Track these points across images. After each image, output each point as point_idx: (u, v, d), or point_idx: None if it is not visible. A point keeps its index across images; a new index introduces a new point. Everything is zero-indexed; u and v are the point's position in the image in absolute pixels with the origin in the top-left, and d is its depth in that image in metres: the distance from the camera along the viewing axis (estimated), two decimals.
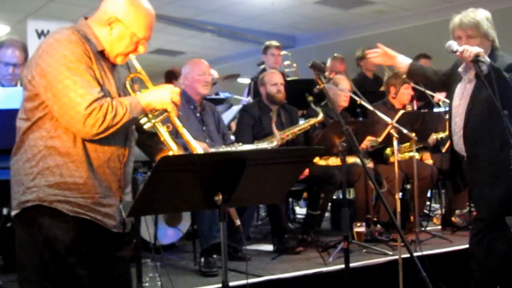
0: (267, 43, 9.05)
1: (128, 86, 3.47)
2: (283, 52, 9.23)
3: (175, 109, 3.39)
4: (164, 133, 3.40)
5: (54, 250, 3.20)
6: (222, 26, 14.79)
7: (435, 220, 8.74)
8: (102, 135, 3.17)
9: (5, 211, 5.74)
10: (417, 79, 6.17)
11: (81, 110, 3.07)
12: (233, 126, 8.01)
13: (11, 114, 4.22)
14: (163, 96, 3.35)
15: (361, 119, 8.16)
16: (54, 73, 3.13)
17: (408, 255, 3.89)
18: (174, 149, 3.36)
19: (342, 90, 7.35)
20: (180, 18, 13.86)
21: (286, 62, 9.64)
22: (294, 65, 9.35)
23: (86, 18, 3.44)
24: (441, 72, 5.50)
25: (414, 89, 7.84)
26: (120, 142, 3.40)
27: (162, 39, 15.27)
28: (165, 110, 3.38)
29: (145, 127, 3.38)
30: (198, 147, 3.38)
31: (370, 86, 9.28)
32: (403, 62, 5.55)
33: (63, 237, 3.20)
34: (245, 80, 8.92)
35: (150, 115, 3.38)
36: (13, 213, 3.32)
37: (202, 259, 5.83)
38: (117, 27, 3.34)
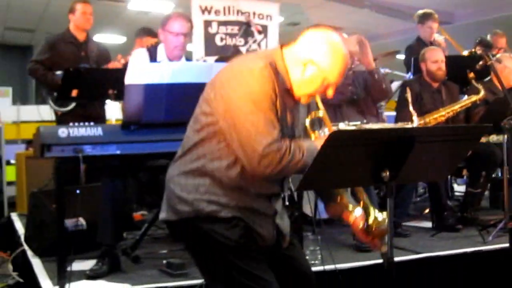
0: (423, 12, 8.82)
1: (308, 125, 3.38)
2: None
3: None
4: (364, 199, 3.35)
5: (227, 247, 3.23)
6: (380, 2, 14.68)
7: None
8: (276, 176, 3.20)
9: None
10: None
11: (259, 149, 3.05)
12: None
13: (182, 87, 4.44)
14: None
15: None
16: (239, 104, 3.10)
17: None
18: (372, 215, 3.34)
19: (507, 67, 7.19)
20: None
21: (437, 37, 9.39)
22: (443, 40, 9.10)
23: (282, 46, 3.38)
24: None
25: None
26: (269, 197, 3.40)
27: (321, 15, 15.24)
28: None
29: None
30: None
31: None
32: None
33: (230, 234, 3.23)
34: (403, 57, 8.79)
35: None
36: (167, 217, 3.39)
37: None
38: (311, 68, 3.24)
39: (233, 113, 3.12)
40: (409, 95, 6.50)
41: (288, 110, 3.31)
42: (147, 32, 8.25)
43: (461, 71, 7.17)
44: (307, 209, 6.10)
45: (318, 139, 3.31)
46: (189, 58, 6.16)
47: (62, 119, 7.30)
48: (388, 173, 2.99)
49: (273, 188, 3.40)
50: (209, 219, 3.24)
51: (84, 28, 7.80)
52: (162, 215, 3.42)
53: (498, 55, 7.51)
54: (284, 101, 3.25)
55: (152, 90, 4.66)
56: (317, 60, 3.23)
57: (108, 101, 7.68)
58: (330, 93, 3.32)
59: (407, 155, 2.94)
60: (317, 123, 3.47)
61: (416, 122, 6.38)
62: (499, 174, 8.31)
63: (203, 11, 8.05)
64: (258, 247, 3.32)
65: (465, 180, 8.07)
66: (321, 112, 3.34)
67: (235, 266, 3.22)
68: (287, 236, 3.54)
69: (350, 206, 3.44)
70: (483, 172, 6.92)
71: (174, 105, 4.64)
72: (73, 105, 7.33)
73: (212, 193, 3.24)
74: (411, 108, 6.38)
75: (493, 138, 6.97)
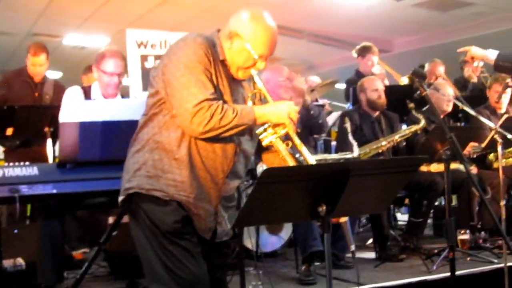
0: (362, 45, 8.86)
1: (250, 102, 3.50)
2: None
3: (293, 125, 3.37)
4: (282, 150, 3.38)
5: (161, 231, 3.32)
6: (318, 32, 14.75)
7: None
8: (208, 135, 3.25)
9: (110, 219, 5.87)
10: (505, 72, 5.98)
11: (190, 107, 3.18)
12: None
13: (117, 125, 4.40)
14: (280, 110, 3.33)
15: (463, 124, 8.03)
16: (173, 70, 3.28)
17: None
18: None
19: (444, 95, 7.25)
20: (276, 24, 13.90)
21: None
22: (383, 72, 9.14)
23: (219, 31, 3.54)
24: None
25: None
26: (227, 154, 3.44)
27: None
28: (281, 125, 3.36)
29: (263, 143, 3.39)
30: None
31: (473, 90, 9.11)
32: (491, 56, 5.45)
33: (167, 219, 3.33)
34: (342, 86, 8.81)
35: (268, 130, 3.37)
36: (120, 198, 3.47)
37: (303, 267, 5.85)
38: (236, 41, 3.40)
39: (168, 80, 3.30)
40: (348, 125, 6.50)
41: (225, 81, 3.45)
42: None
43: (400, 100, 7.19)
44: (248, 243, 6.04)
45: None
46: (125, 94, 6.07)
47: (7, 158, 7.18)
48: (324, 207, 2.97)
49: (224, 166, 3.45)
50: (150, 198, 3.34)
51: (35, 77, 7.68)
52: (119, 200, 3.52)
53: (435, 83, 7.58)
54: (221, 71, 3.42)
55: (87, 128, 4.62)
56: (241, 32, 3.39)
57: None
58: (260, 66, 3.46)
59: (343, 189, 2.91)
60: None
61: (356, 152, 6.36)
62: (442, 202, 8.35)
63: (139, 46, 7.96)
64: (193, 235, 3.41)
65: (408, 209, 8.08)
66: (261, 90, 3.47)
67: (165, 250, 3.32)
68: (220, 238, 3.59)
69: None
70: (425, 201, 6.93)
71: (110, 142, 4.60)
72: (17, 143, 7.18)
73: (160, 169, 3.35)
74: (350, 138, 6.38)
75: (434, 167, 6.99)
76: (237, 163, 3.51)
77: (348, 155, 6.38)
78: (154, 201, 3.34)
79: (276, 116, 3.33)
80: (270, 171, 2.80)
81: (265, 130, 3.37)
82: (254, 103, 3.49)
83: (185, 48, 3.32)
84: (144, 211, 3.36)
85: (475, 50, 5.50)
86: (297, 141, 3.39)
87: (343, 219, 3.31)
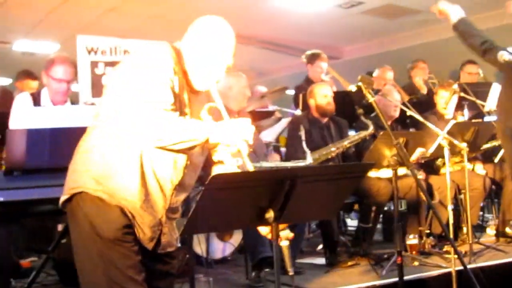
0: (311, 52, 8.90)
1: (203, 115, 3.37)
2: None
3: (246, 146, 3.27)
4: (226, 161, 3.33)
5: (101, 237, 3.22)
6: (267, 39, 14.77)
7: (488, 231, 8.63)
8: (160, 145, 3.19)
9: (60, 227, 5.82)
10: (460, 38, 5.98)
11: (145, 116, 3.11)
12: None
13: (66, 132, 4.35)
14: (233, 132, 3.22)
15: (411, 129, 8.09)
16: (132, 77, 3.21)
17: (462, 268, 3.86)
18: None
19: (391, 101, 7.30)
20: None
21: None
22: (328, 75, 9.16)
23: (181, 40, 3.52)
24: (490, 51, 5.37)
25: (465, 98, 7.74)
26: (177, 165, 3.39)
27: None
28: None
29: (214, 158, 3.37)
30: None
31: (422, 96, 9.21)
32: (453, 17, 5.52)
33: (109, 225, 3.23)
34: (292, 92, 8.82)
35: (220, 147, 3.31)
36: (62, 198, 3.36)
37: (253, 274, 5.85)
38: (197, 49, 3.41)
39: (126, 87, 3.20)
40: (303, 133, 6.53)
41: (186, 92, 3.41)
42: (26, 75, 8.11)
43: (349, 106, 7.23)
44: (198, 249, 6.03)
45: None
46: (75, 101, 6.04)
47: None
48: (272, 214, 2.96)
49: (173, 177, 3.40)
50: (94, 200, 3.23)
51: None
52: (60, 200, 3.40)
53: (383, 89, 7.64)
54: (183, 82, 3.37)
55: (35, 135, 4.59)
56: (200, 40, 3.40)
57: None
58: (222, 74, 3.46)
59: (291, 195, 2.91)
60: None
61: (309, 159, 6.40)
62: (391, 207, 8.41)
63: (89, 52, 7.90)
64: (134, 244, 3.31)
65: (357, 215, 8.12)
66: (216, 104, 3.39)
67: (104, 258, 3.23)
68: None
69: None
70: (374, 207, 6.97)
71: (59, 149, 4.53)
72: None
73: (108, 172, 3.26)
74: (304, 146, 6.41)
75: (383, 172, 7.03)
76: (186, 175, 3.46)
77: (301, 163, 6.42)
78: (98, 204, 3.23)
79: (230, 137, 3.23)
80: (217, 177, 2.77)
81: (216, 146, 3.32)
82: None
83: (148, 56, 3.27)
84: (85, 214, 3.25)
85: (441, 4, 5.54)
86: (247, 161, 3.30)
87: (284, 243, 3.25)
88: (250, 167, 3.29)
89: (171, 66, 3.27)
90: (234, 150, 3.28)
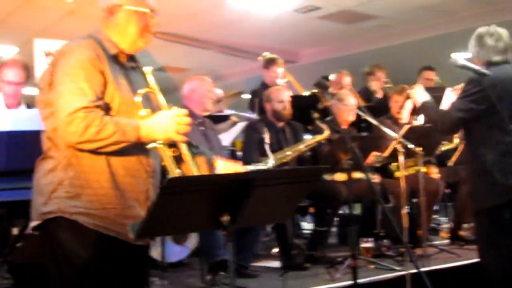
0: (268, 57, 8.87)
1: (138, 101, 3.27)
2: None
3: (182, 138, 3.25)
4: (167, 158, 3.23)
5: (73, 265, 3.16)
6: (224, 43, 14.76)
7: (442, 234, 8.70)
8: (86, 146, 3.10)
9: (15, 230, 5.76)
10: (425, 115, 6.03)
11: (63, 116, 3.03)
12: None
13: (22, 135, 4.31)
14: (167, 128, 3.19)
15: (366, 133, 8.14)
16: (55, 78, 3.17)
17: (416, 271, 3.88)
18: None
19: (347, 105, 7.33)
20: (183, 35, 13.85)
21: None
22: (284, 80, 9.11)
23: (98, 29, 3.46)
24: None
25: None
26: (143, 152, 3.31)
27: (166, 56, 15.20)
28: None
29: (147, 146, 3.24)
30: None
31: (377, 101, 9.28)
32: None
33: (82, 252, 3.16)
34: (248, 97, 8.79)
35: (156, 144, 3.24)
36: (34, 223, 3.28)
37: (208, 277, 5.84)
38: (118, 12, 3.35)
39: (53, 89, 3.17)
40: (267, 136, 6.57)
41: (122, 77, 3.32)
42: None
43: (305, 110, 7.24)
44: (154, 253, 6.01)
45: (144, 117, 3.25)
46: (32, 105, 6.00)
47: None
48: (227, 217, 2.94)
49: (146, 166, 3.35)
50: (70, 225, 3.15)
51: None
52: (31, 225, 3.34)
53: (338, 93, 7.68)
54: (115, 69, 3.30)
55: None
56: (114, 1, 3.34)
57: None
58: (153, 21, 3.41)
59: (246, 198, 2.90)
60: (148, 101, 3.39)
61: (271, 162, 6.44)
62: (346, 210, 8.44)
63: (47, 55, 7.88)
64: (110, 267, 3.25)
65: (312, 218, 8.13)
66: (153, 90, 3.35)
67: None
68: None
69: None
70: (329, 210, 6.99)
71: (16, 153, 4.45)
72: None
73: (78, 186, 3.18)
74: (267, 148, 6.44)
75: (338, 176, 7.06)
76: (156, 159, 3.39)
77: (262, 166, 6.45)
78: (74, 229, 3.15)
79: (164, 133, 3.18)
80: (173, 180, 2.78)
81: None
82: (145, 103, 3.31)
83: (68, 55, 3.20)
84: (58, 242, 3.18)
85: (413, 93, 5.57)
86: (185, 151, 3.29)
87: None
88: (194, 170, 3.29)
89: (93, 61, 3.19)
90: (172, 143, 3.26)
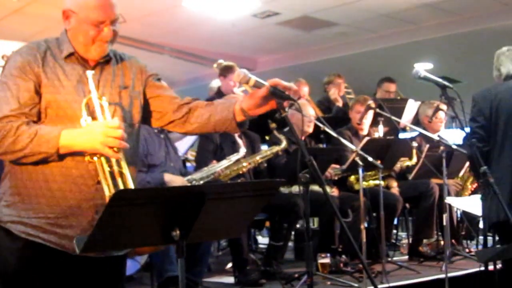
0: (225, 65, 8.70)
1: (83, 106, 3.05)
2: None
3: (112, 152, 2.97)
4: (104, 171, 3.01)
5: (2, 273, 3.10)
6: (180, 48, 14.62)
7: (402, 249, 8.65)
8: (6, 158, 3.03)
9: None
10: None
11: None
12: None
13: None
14: (93, 139, 2.92)
15: (325, 145, 8.02)
16: None
17: None
18: (106, 194, 2.99)
19: (305, 116, 7.18)
20: (137, 39, 13.66)
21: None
22: (241, 89, 9.02)
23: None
24: None
25: (380, 114, 7.67)
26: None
27: None
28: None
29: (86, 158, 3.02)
30: None
31: (337, 111, 9.18)
32: None
33: (12, 260, 3.07)
34: None
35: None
36: None
37: None
38: (72, 18, 3.16)
39: None
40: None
41: (74, 79, 3.15)
42: None
43: (262, 120, 7.06)
44: None
45: (72, 129, 3.02)
46: None
47: None
48: (178, 231, 2.80)
49: (91, 171, 3.08)
50: (1, 233, 3.10)
51: None
52: None
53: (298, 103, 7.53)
54: (66, 71, 3.14)
55: None
56: (71, 6, 3.16)
57: None
58: (106, 31, 3.16)
59: (198, 212, 2.76)
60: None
61: (242, 151, 6.61)
62: (304, 225, 8.31)
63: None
64: (44, 277, 3.10)
65: (268, 232, 8.01)
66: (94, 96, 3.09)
67: None
68: None
69: None
70: (285, 224, 6.87)
71: None
72: None
73: (16, 194, 3.09)
74: (236, 136, 6.47)
75: (295, 188, 6.89)
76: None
77: (235, 157, 6.54)
78: (8, 236, 3.06)
79: (88, 145, 2.94)
80: (121, 193, 2.65)
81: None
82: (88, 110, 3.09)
83: (8, 61, 3.11)
84: None
85: None
86: (115, 167, 3.03)
87: None
88: (131, 183, 3.05)
89: (31, 66, 3.06)
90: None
